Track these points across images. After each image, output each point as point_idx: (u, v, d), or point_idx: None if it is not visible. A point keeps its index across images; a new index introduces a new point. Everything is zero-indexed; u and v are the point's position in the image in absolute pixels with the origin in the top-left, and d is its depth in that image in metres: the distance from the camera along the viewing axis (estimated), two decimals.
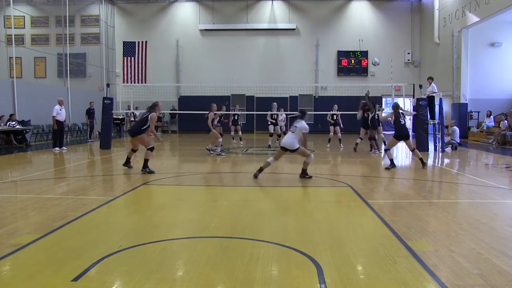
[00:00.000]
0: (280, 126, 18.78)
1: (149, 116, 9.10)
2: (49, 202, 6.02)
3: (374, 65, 18.26)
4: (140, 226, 4.91)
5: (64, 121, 14.84)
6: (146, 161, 9.10)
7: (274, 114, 15.84)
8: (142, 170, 9.03)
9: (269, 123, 15.86)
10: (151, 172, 8.99)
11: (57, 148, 14.28)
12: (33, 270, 3.45)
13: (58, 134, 14.49)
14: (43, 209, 5.60)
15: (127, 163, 9.65)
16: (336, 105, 15.53)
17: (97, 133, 18.87)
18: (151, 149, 9.20)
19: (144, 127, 9.17)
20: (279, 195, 7.05)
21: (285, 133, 19.12)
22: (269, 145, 15.50)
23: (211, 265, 3.57)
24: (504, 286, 3.17)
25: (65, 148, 14.78)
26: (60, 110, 14.26)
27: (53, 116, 14.07)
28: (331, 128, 15.66)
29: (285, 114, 19.17)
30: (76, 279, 3.26)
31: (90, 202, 6.05)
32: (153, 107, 9.26)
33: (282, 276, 3.38)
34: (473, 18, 19.35)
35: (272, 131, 15.84)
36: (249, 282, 3.23)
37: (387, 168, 9.62)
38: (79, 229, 4.76)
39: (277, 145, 14.23)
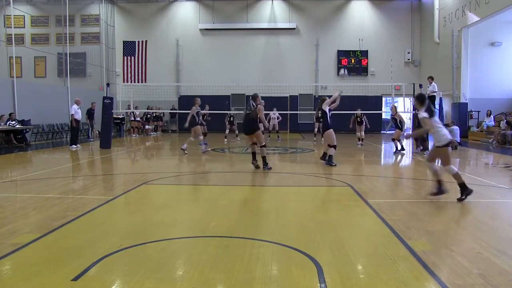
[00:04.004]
0: (274, 125, 18.90)
1: (257, 108, 9.39)
2: (49, 202, 6.02)
3: (342, 75, 19.58)
4: (140, 226, 4.91)
5: (79, 120, 15.29)
6: (264, 158, 9.40)
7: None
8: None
9: None
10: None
11: (74, 146, 14.70)
12: (33, 269, 3.45)
13: (75, 131, 15.00)
14: (43, 209, 5.60)
15: (254, 159, 9.64)
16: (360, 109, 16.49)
17: (97, 132, 18.90)
18: (265, 146, 9.53)
19: (259, 122, 9.46)
20: (279, 195, 7.05)
21: (278, 132, 19.26)
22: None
23: (211, 265, 3.57)
24: (504, 286, 3.16)
25: (80, 146, 15.13)
26: (78, 109, 14.92)
27: (72, 115, 14.75)
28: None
29: (278, 112, 19.29)
30: (76, 278, 3.26)
31: (90, 202, 6.05)
32: (255, 98, 9.47)
33: (282, 275, 3.38)
34: (473, 18, 19.34)
35: None
36: (249, 282, 3.23)
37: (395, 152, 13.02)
38: (79, 228, 4.76)
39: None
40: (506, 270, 3.45)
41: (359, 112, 16.57)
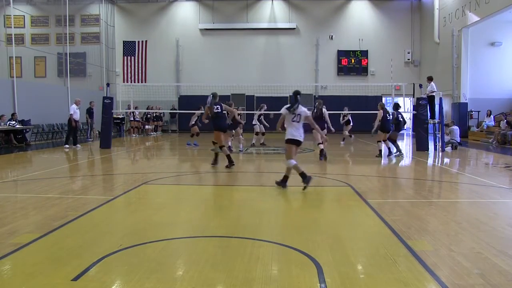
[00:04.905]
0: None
1: (224, 107, 9.94)
2: (49, 202, 6.02)
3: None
4: (140, 226, 4.91)
5: (78, 120, 15.31)
6: (228, 156, 9.58)
7: (263, 114, 16.06)
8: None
9: (255, 122, 15.95)
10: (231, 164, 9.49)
11: (67, 146, 14.71)
12: (33, 269, 3.45)
13: (73, 132, 15.02)
14: (43, 209, 5.60)
15: (216, 161, 9.91)
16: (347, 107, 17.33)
17: (97, 132, 18.89)
18: (223, 146, 9.71)
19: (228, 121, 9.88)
20: (279, 194, 7.04)
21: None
22: (253, 143, 15.65)
23: (211, 264, 3.57)
24: (504, 286, 3.16)
25: (79, 146, 15.11)
26: (77, 109, 15.00)
27: (71, 114, 14.76)
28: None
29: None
30: (76, 278, 3.26)
31: (90, 202, 6.05)
32: (216, 97, 10.06)
33: (282, 275, 3.38)
34: (473, 18, 19.34)
35: (258, 130, 16.07)
36: (249, 281, 3.23)
37: (377, 156, 11.98)
38: (79, 228, 4.76)
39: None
40: (506, 270, 3.45)
41: (345, 111, 17.12)
